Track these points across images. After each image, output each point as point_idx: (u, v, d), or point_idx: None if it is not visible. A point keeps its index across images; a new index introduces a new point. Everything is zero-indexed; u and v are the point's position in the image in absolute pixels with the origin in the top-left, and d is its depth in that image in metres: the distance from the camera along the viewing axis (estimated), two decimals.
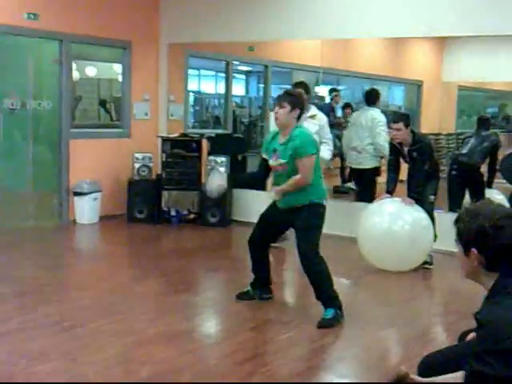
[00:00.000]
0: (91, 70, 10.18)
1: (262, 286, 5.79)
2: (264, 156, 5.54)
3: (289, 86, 12.79)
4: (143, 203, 9.16)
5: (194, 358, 4.50)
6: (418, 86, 12.68)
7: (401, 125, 6.92)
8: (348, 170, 9.76)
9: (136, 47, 9.64)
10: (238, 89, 12.51)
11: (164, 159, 9.34)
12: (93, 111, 10.32)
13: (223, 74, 11.45)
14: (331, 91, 10.50)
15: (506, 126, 12.23)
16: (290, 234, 5.95)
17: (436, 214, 7.15)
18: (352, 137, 8.77)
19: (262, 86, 12.21)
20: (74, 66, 9.16)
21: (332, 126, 8.65)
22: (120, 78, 9.82)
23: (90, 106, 10.19)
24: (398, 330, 5.33)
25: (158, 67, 9.98)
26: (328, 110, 9.83)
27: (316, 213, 5.33)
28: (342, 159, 10.16)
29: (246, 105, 12.94)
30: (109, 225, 9.03)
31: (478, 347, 2.58)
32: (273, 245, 7.77)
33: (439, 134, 12.01)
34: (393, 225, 6.87)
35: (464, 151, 8.56)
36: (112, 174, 9.41)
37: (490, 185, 8.59)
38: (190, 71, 10.73)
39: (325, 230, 5.42)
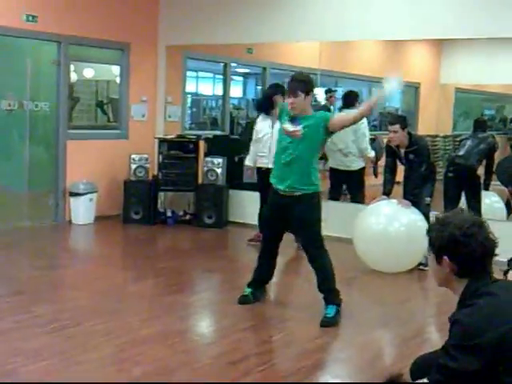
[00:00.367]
0: (89, 72, 10.18)
1: (260, 287, 5.79)
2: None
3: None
4: (139, 204, 9.16)
5: (188, 358, 4.50)
6: (415, 88, 12.68)
7: (397, 127, 6.93)
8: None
9: (134, 49, 9.65)
10: (236, 91, 12.51)
11: (161, 160, 9.34)
12: (90, 112, 10.33)
13: (221, 76, 11.46)
14: (327, 92, 10.48)
15: (503, 128, 12.24)
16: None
17: (432, 215, 7.15)
18: (336, 139, 8.70)
19: (259, 88, 12.22)
20: (71, 67, 9.17)
21: None
22: (118, 80, 9.83)
23: (87, 107, 10.20)
24: (393, 331, 5.34)
25: (156, 69, 10.00)
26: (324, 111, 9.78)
27: (316, 204, 5.40)
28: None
29: (244, 107, 12.94)
30: (104, 225, 9.03)
31: (447, 343, 2.70)
32: None
33: (436, 136, 12.00)
34: (389, 226, 6.88)
35: (461, 153, 8.55)
36: (108, 174, 9.41)
37: (486, 187, 8.58)
38: (188, 73, 10.73)
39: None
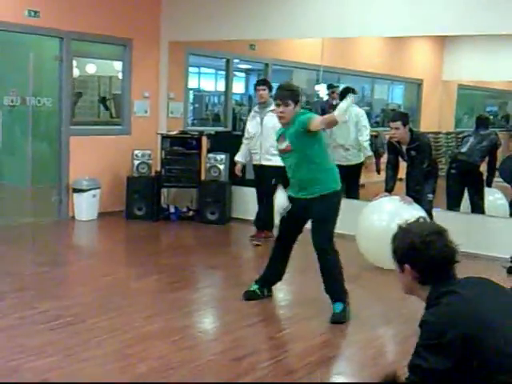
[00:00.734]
0: (91, 68, 10.18)
1: (269, 285, 5.79)
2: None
3: None
4: (142, 200, 9.18)
5: (191, 354, 4.51)
6: (417, 84, 12.67)
7: (399, 123, 6.93)
8: None
9: (137, 45, 9.65)
10: (238, 87, 12.50)
11: (163, 156, 9.34)
12: (93, 108, 10.34)
13: (223, 72, 11.45)
14: (329, 87, 10.48)
15: (505, 124, 12.23)
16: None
17: (434, 212, 7.16)
18: (337, 134, 8.73)
19: None
20: (74, 63, 9.17)
21: None
22: (120, 76, 9.83)
23: (89, 103, 10.21)
24: (396, 328, 5.34)
25: (159, 65, 9.99)
26: (326, 107, 9.81)
27: (332, 203, 5.41)
28: None
29: (246, 103, 12.93)
30: (107, 221, 9.05)
31: (417, 343, 2.77)
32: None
33: (439, 133, 12.00)
34: (391, 223, 6.87)
35: (463, 150, 8.56)
36: (111, 170, 9.42)
37: (489, 184, 8.59)
38: (190, 69, 10.73)
39: None
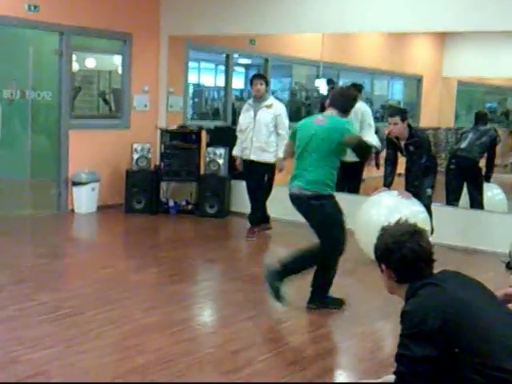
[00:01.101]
0: (91, 62, 10.18)
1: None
2: None
3: (288, 80, 12.88)
4: (141, 194, 9.18)
5: (190, 347, 4.52)
6: (417, 80, 12.69)
7: (397, 119, 6.94)
8: None
9: (136, 39, 9.64)
10: (238, 82, 12.50)
11: (163, 150, 9.35)
12: (92, 102, 10.33)
13: (223, 67, 11.45)
14: (328, 82, 10.48)
15: (505, 120, 12.26)
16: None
17: (433, 207, 7.17)
18: None
19: None
20: (73, 57, 9.17)
21: None
22: (120, 70, 9.83)
23: (89, 97, 10.20)
24: (394, 321, 5.32)
25: (158, 59, 9.99)
26: (325, 104, 9.80)
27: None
28: None
29: (245, 98, 12.94)
30: (107, 215, 9.06)
31: (400, 334, 2.88)
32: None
33: (438, 129, 12.03)
34: (390, 218, 6.86)
35: (462, 146, 8.57)
36: (110, 164, 9.42)
37: (488, 179, 8.62)
38: (190, 63, 10.73)
39: None
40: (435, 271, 3.08)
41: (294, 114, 11.01)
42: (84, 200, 8.95)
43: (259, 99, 7.92)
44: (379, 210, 7.00)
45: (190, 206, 9.43)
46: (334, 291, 5.52)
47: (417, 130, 7.33)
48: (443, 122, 12.36)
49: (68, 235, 8.39)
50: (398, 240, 3.01)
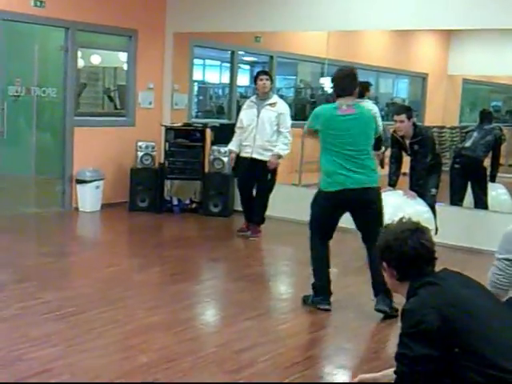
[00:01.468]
0: (96, 58, 10.18)
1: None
2: None
3: (293, 77, 12.86)
4: (145, 192, 9.17)
5: (193, 346, 4.52)
6: (422, 78, 12.66)
7: (403, 116, 6.91)
8: None
9: (142, 36, 9.63)
10: (243, 79, 12.49)
11: (167, 148, 9.34)
12: (97, 99, 10.33)
13: (228, 64, 11.44)
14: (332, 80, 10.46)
15: (510, 119, 12.23)
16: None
17: (437, 207, 7.15)
18: None
19: None
20: (79, 53, 9.17)
21: None
22: (125, 67, 9.83)
23: (94, 94, 10.21)
24: (396, 321, 5.33)
25: (164, 56, 9.98)
26: (330, 100, 9.77)
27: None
28: None
29: (250, 95, 12.93)
30: (111, 213, 9.05)
31: (400, 333, 2.88)
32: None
33: (443, 127, 12.00)
34: (394, 217, 6.85)
35: (467, 145, 8.55)
36: (115, 162, 9.42)
37: (492, 178, 8.59)
38: (195, 61, 10.72)
39: None
40: (437, 270, 3.08)
41: (299, 112, 11.01)
42: (88, 198, 8.95)
43: (264, 96, 7.87)
44: (384, 209, 6.98)
45: (194, 205, 9.42)
46: (339, 292, 5.52)
47: (422, 128, 7.30)
48: (448, 121, 12.34)
49: (72, 233, 8.39)
50: (398, 237, 3.01)
